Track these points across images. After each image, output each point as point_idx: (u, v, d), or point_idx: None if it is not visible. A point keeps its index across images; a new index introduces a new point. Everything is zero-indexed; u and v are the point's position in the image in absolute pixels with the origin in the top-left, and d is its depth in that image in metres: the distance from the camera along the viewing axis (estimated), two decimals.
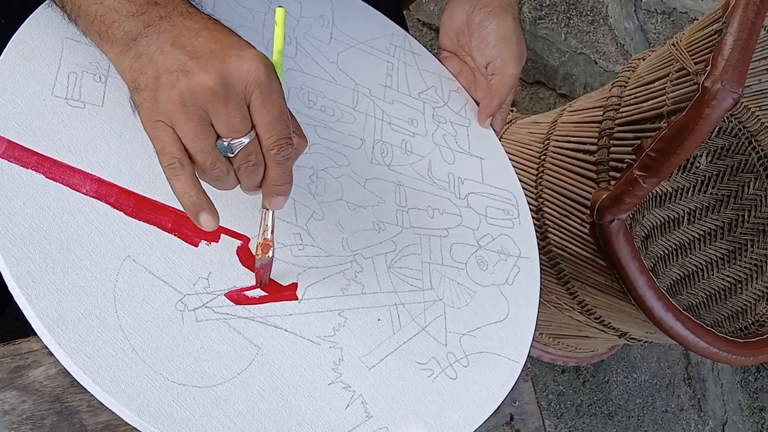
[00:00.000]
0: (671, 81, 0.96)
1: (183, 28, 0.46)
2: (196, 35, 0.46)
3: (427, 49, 0.76)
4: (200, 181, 0.47)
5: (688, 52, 0.95)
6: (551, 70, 1.78)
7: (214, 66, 0.44)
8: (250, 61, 0.44)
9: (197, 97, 0.44)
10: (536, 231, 0.70)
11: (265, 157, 0.47)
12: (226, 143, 0.46)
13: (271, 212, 0.51)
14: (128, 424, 0.45)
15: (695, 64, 0.92)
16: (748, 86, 1.19)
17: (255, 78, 0.44)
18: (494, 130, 0.74)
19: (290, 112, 0.49)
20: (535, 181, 1.17)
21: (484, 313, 0.61)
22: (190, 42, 0.45)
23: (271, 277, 0.54)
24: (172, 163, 0.45)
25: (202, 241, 0.53)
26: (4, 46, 0.52)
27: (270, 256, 0.52)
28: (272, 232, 0.51)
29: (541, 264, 0.68)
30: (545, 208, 1.13)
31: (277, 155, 0.47)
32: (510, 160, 0.73)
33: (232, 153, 0.46)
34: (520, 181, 0.72)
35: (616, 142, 1.02)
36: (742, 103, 1.23)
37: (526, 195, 0.72)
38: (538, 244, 0.69)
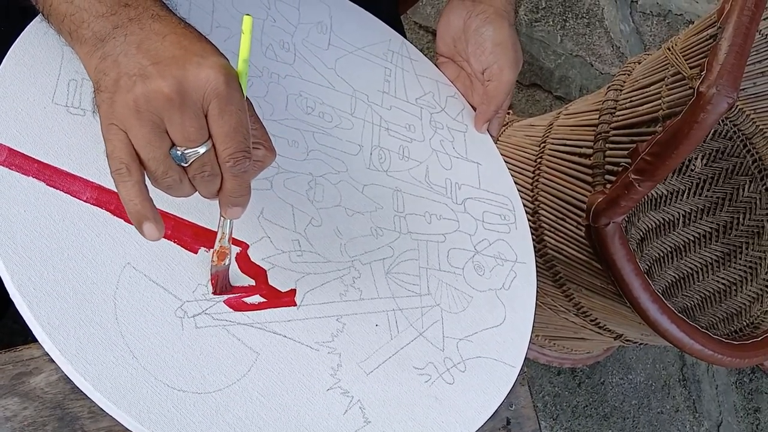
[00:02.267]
0: (666, 85, 0.97)
1: (151, 31, 0.45)
2: (162, 39, 0.45)
3: (424, 51, 0.76)
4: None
5: (683, 56, 0.95)
6: (547, 73, 1.78)
7: (172, 73, 0.43)
8: (209, 70, 0.43)
9: (152, 103, 0.43)
10: (532, 234, 0.71)
11: (221, 169, 0.46)
12: (179, 152, 0.45)
13: (228, 221, 0.50)
14: (129, 430, 0.46)
15: (690, 68, 0.92)
16: (743, 89, 1.20)
17: (213, 87, 0.43)
18: (491, 136, 0.75)
19: (260, 123, 0.48)
20: (531, 184, 1.17)
21: (481, 318, 0.62)
22: (155, 46, 0.45)
23: (270, 283, 0.54)
24: (119, 169, 0.44)
25: (202, 248, 0.53)
26: (5, 54, 0.53)
27: (226, 263, 0.51)
28: (229, 240, 0.51)
29: (537, 267, 0.68)
30: (541, 211, 1.14)
31: (233, 168, 0.45)
32: (506, 162, 0.74)
33: (186, 162, 0.45)
34: (516, 183, 0.73)
35: (611, 145, 1.03)
36: (737, 106, 1.24)
37: (522, 198, 0.72)
38: (534, 247, 0.69)
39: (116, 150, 0.44)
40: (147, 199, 0.45)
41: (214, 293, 0.52)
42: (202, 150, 0.45)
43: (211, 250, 0.51)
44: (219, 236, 0.51)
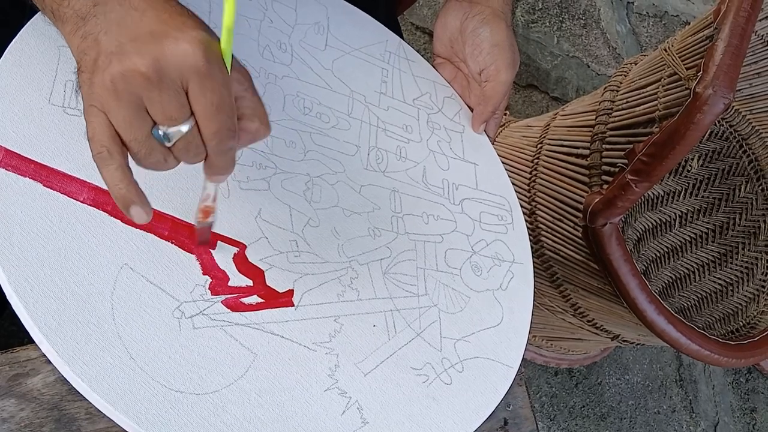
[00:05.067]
0: (663, 86, 0.97)
1: (130, 7, 0.43)
2: (141, 15, 0.43)
3: (421, 53, 0.76)
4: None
5: (679, 57, 0.96)
6: (544, 74, 1.79)
7: (149, 50, 0.41)
8: (186, 45, 0.41)
9: (129, 82, 0.41)
10: (529, 234, 0.71)
11: (205, 146, 0.44)
12: (161, 132, 0.43)
13: (213, 183, 0.49)
14: (126, 431, 0.46)
15: (687, 69, 0.93)
16: (739, 90, 1.20)
17: (192, 63, 0.41)
18: (488, 136, 0.75)
19: (257, 95, 0.46)
20: (528, 185, 1.18)
21: (478, 319, 0.62)
22: (134, 22, 0.43)
23: (268, 283, 0.54)
24: (101, 152, 0.43)
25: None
26: (1, 55, 0.52)
27: (210, 221, 0.51)
28: (214, 201, 0.50)
29: (534, 267, 0.69)
30: (538, 212, 1.14)
31: (217, 146, 0.44)
32: (503, 163, 0.74)
33: (170, 142, 0.43)
34: (513, 184, 0.73)
35: (608, 146, 1.03)
36: (733, 106, 1.24)
37: (519, 198, 0.72)
38: (531, 248, 0.69)
39: (96, 133, 0.43)
40: (131, 182, 0.44)
41: (197, 245, 0.52)
42: (184, 128, 0.43)
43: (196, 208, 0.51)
44: (203, 197, 0.50)
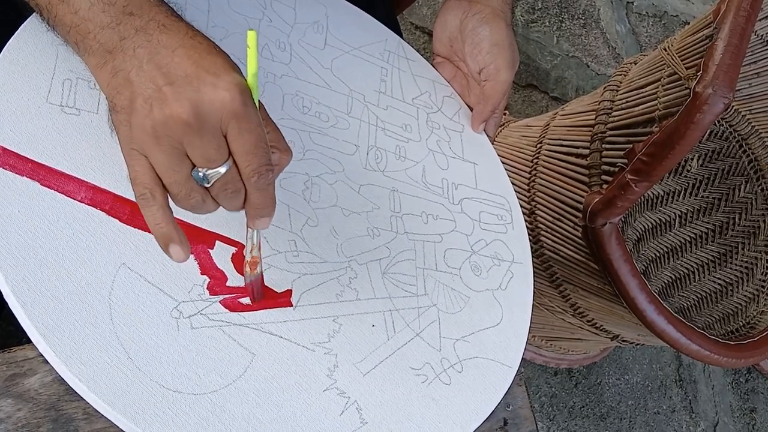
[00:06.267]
0: (663, 85, 0.97)
1: (159, 44, 0.45)
2: (172, 54, 0.44)
3: (420, 52, 0.76)
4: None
5: (679, 56, 0.95)
6: (543, 73, 1.78)
7: (188, 96, 0.43)
8: (225, 92, 0.43)
9: (170, 128, 0.43)
10: (529, 234, 0.71)
11: (245, 184, 0.46)
12: (201, 174, 0.45)
13: (256, 231, 0.51)
14: (124, 431, 0.46)
15: (686, 69, 0.92)
16: (739, 90, 1.20)
17: (231, 109, 0.43)
18: (488, 136, 0.74)
19: (274, 125, 0.48)
20: (528, 184, 1.17)
21: (477, 319, 0.62)
22: (166, 62, 0.44)
23: (266, 284, 0.54)
24: (144, 194, 0.45)
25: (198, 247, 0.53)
26: None
27: (258, 271, 0.52)
28: (259, 249, 0.51)
29: (533, 267, 0.68)
30: (538, 211, 1.14)
31: (257, 182, 0.45)
32: (503, 163, 0.74)
33: (209, 183, 0.45)
34: (513, 184, 0.73)
35: (608, 146, 1.03)
36: (733, 106, 1.24)
37: (518, 198, 0.72)
38: (531, 248, 0.69)
39: (139, 175, 0.45)
40: (172, 222, 0.45)
41: (252, 302, 0.53)
42: (223, 170, 0.45)
43: (245, 261, 0.51)
44: (249, 247, 0.51)
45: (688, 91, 0.86)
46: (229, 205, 0.47)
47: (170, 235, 0.45)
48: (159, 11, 0.46)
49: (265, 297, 0.54)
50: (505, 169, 0.73)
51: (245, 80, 0.45)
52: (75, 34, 0.47)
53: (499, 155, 0.74)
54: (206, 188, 0.46)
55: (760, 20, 1.07)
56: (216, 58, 0.45)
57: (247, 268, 0.51)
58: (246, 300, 0.53)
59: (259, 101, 0.47)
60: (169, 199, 0.46)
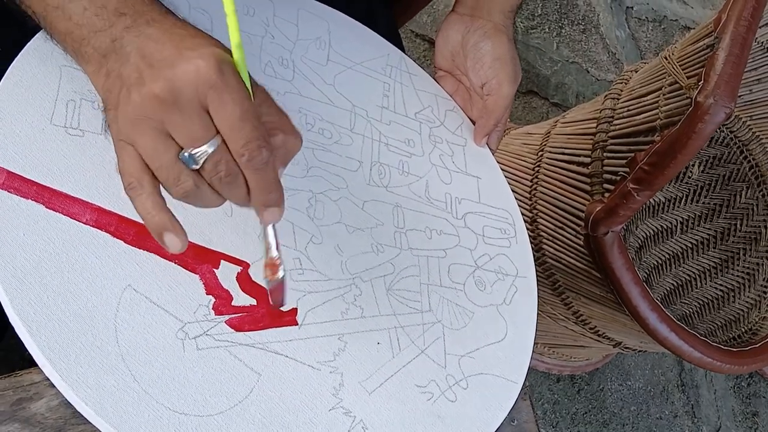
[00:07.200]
0: (664, 95, 0.97)
1: (146, 38, 0.43)
2: (156, 43, 0.42)
3: (421, 59, 0.76)
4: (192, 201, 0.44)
5: (680, 65, 0.96)
6: (543, 80, 1.79)
7: (163, 74, 0.40)
8: (197, 60, 0.40)
9: (147, 108, 0.41)
10: (531, 242, 0.71)
11: (239, 166, 0.42)
12: (187, 154, 0.42)
13: (270, 228, 0.47)
14: None
15: (687, 78, 0.92)
16: (740, 96, 1.20)
17: (205, 78, 0.40)
18: (490, 150, 0.74)
19: (276, 106, 0.45)
20: (530, 193, 1.17)
21: (482, 334, 0.62)
22: (150, 50, 0.42)
23: (271, 303, 0.54)
24: (131, 183, 0.42)
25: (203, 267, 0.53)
26: (2, 75, 0.52)
27: (280, 275, 0.49)
28: (278, 249, 0.48)
29: (536, 275, 0.68)
30: (539, 220, 1.14)
31: (250, 161, 0.42)
32: (504, 171, 0.74)
33: (197, 164, 0.42)
34: (515, 192, 0.73)
35: (609, 154, 1.03)
36: (734, 113, 1.24)
37: (520, 206, 0.72)
38: (533, 256, 0.69)
39: (126, 165, 0.43)
40: (163, 209, 0.43)
41: (275, 309, 0.51)
42: (210, 148, 0.41)
43: (259, 264, 0.49)
44: (265, 248, 0.48)
45: (689, 100, 0.86)
46: (229, 194, 0.44)
47: (163, 224, 0.43)
48: (150, 8, 0.45)
49: (270, 316, 0.54)
50: (507, 178, 0.73)
51: (228, 53, 0.42)
52: (71, 42, 0.46)
53: (500, 163, 0.74)
54: (198, 173, 0.43)
55: (760, 27, 1.07)
56: (200, 39, 0.43)
57: (267, 272, 0.48)
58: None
59: (261, 86, 0.44)
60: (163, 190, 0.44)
